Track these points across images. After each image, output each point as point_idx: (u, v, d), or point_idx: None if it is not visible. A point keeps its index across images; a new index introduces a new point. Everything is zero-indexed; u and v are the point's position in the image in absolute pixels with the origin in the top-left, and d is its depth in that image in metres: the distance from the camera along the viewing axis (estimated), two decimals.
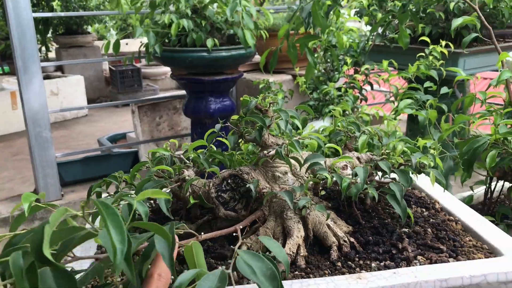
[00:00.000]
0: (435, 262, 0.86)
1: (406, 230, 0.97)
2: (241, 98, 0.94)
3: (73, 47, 7.47)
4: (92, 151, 3.22)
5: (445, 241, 0.94)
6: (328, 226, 0.91)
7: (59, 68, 7.30)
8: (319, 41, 2.12)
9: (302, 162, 0.93)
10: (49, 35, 7.65)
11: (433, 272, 0.80)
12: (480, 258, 0.87)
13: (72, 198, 2.76)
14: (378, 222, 1.00)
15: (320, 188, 1.06)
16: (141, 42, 2.49)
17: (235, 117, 0.98)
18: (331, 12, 1.59)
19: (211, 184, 0.92)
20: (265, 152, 0.92)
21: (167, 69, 8.31)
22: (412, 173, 0.99)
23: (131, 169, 0.99)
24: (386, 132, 1.12)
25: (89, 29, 7.90)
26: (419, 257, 0.88)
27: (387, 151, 1.03)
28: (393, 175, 0.97)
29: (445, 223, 1.02)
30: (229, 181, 0.93)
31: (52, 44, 7.79)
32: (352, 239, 0.91)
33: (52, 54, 8.03)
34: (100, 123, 6.40)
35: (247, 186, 0.88)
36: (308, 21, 1.54)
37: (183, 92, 3.67)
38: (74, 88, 6.45)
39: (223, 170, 0.95)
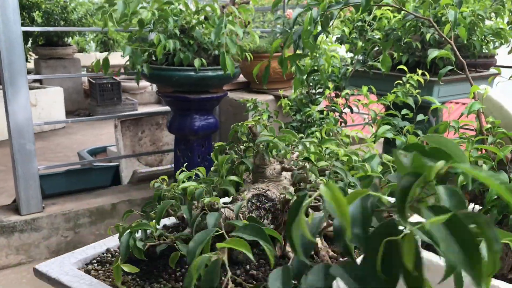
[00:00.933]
0: None
1: None
2: (236, 125, 1.01)
3: (52, 59, 7.43)
4: (73, 165, 3.23)
5: None
6: None
7: (37, 79, 7.25)
8: (302, 66, 2.22)
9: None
10: (28, 45, 7.61)
11: None
12: None
13: (53, 211, 2.77)
14: None
15: None
16: (121, 56, 2.54)
17: (220, 144, 1.05)
18: (321, 36, 1.70)
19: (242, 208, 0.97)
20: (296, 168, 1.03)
21: (146, 84, 8.34)
22: None
23: (154, 210, 0.97)
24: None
25: (70, 40, 7.88)
26: None
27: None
28: None
29: None
30: (253, 200, 0.99)
31: (30, 55, 7.74)
32: None
33: (30, 65, 7.97)
34: (78, 136, 6.38)
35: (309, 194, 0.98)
36: (298, 43, 1.65)
37: (166, 108, 3.73)
38: (52, 99, 6.41)
39: (245, 192, 1.00)
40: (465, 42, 2.19)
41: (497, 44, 2.45)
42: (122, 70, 2.54)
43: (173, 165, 3.26)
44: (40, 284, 2.49)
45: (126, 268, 0.86)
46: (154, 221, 0.91)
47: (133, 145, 3.55)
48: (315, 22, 1.48)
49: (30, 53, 7.68)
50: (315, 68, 2.20)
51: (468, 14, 1.94)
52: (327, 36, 2.12)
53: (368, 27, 2.32)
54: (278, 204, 0.98)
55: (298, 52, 1.78)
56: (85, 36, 9.69)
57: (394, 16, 2.27)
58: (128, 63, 2.43)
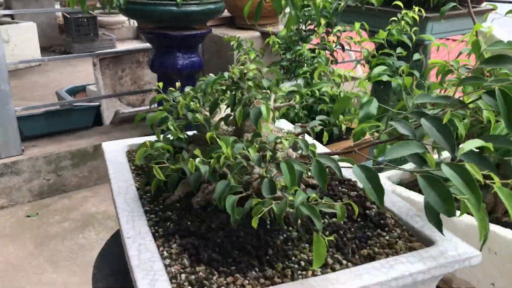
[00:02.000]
0: None
1: None
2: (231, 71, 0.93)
3: None
4: (53, 105, 3.12)
5: None
6: None
7: (9, 13, 6.89)
8: None
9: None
10: None
11: None
12: None
13: (34, 153, 2.68)
14: None
15: None
16: None
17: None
18: None
19: None
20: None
21: (124, 18, 8.00)
22: None
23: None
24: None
25: None
26: None
27: None
28: None
29: None
30: None
31: None
32: None
33: None
34: (54, 73, 6.17)
35: None
36: None
37: (147, 45, 3.57)
38: (25, 35, 6.14)
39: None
40: None
41: None
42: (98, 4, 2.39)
43: (156, 105, 3.16)
44: (24, 228, 2.46)
45: None
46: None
47: (114, 84, 3.42)
48: None
49: None
50: (306, 2, 2.08)
51: None
52: None
53: None
54: None
55: None
56: None
57: None
58: None
